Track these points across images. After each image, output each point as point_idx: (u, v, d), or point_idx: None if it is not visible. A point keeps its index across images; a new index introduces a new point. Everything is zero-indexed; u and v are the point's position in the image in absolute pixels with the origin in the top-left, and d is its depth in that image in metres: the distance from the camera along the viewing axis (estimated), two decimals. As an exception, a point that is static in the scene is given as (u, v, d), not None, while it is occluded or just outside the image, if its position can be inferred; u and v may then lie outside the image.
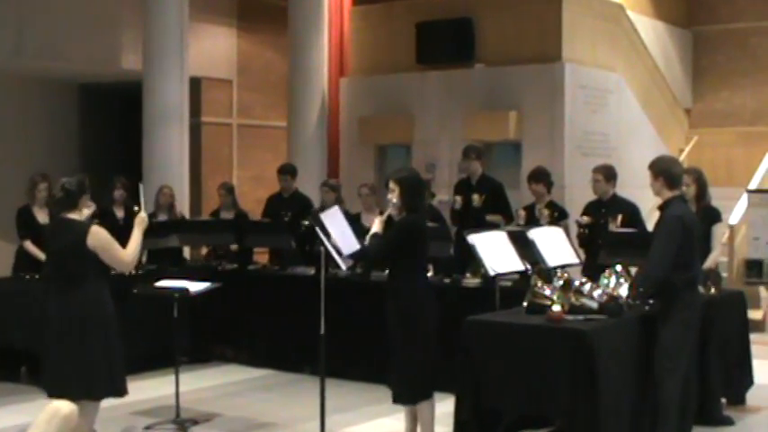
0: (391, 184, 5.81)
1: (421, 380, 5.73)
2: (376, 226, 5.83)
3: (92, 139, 14.53)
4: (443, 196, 10.93)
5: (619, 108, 12.24)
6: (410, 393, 5.76)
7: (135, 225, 5.68)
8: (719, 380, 6.57)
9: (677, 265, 5.57)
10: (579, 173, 10.90)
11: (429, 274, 7.48)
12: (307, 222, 7.99)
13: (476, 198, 8.79)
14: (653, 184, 5.80)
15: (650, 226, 7.53)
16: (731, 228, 11.26)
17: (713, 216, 7.25)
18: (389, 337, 5.81)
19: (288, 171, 9.90)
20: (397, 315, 5.76)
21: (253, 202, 12.29)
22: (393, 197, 5.79)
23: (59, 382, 5.42)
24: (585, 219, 8.01)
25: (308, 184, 10.51)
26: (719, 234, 7.40)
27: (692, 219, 5.84)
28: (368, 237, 5.82)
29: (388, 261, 5.93)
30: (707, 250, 6.99)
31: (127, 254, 5.49)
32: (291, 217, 9.41)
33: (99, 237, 5.41)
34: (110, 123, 14.53)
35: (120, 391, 5.54)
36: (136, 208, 5.99)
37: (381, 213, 6.09)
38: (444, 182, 11.61)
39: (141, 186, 6.43)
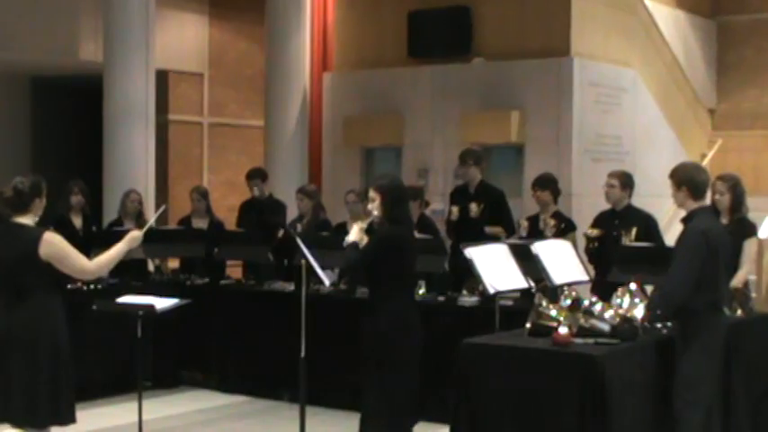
0: (371, 193, 5.91)
1: (395, 415, 5.74)
2: (353, 234, 5.90)
3: (45, 138, 14.49)
4: (437, 206, 10.92)
5: (634, 108, 12.28)
6: (381, 429, 5.76)
7: (124, 240, 5.66)
8: (747, 414, 6.55)
9: (700, 284, 5.56)
10: (589, 180, 10.93)
11: (421, 292, 7.55)
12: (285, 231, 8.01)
13: (473, 208, 8.80)
14: (675, 195, 5.80)
15: (668, 239, 7.56)
16: (760, 242, 11.26)
17: (747, 229, 7.22)
18: (363, 362, 5.82)
19: (257, 175, 9.93)
20: (372, 337, 5.77)
21: (225, 209, 12.28)
22: (374, 207, 5.88)
23: (2, 406, 5.40)
24: (596, 231, 8.01)
25: (288, 190, 10.50)
26: (751, 250, 7.35)
27: (719, 233, 5.81)
28: (345, 246, 5.90)
29: (368, 277, 5.96)
30: (738, 267, 7.00)
31: (93, 263, 5.48)
32: (261, 222, 9.47)
33: (53, 245, 5.39)
34: (65, 121, 14.50)
35: (65, 419, 5.51)
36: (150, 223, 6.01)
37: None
38: (438, 189, 11.62)
39: (164, 207, 6.64)
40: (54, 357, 5.41)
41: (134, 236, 5.72)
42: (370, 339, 5.77)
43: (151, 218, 10.24)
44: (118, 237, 6.72)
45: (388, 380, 5.71)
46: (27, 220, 5.48)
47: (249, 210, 9.94)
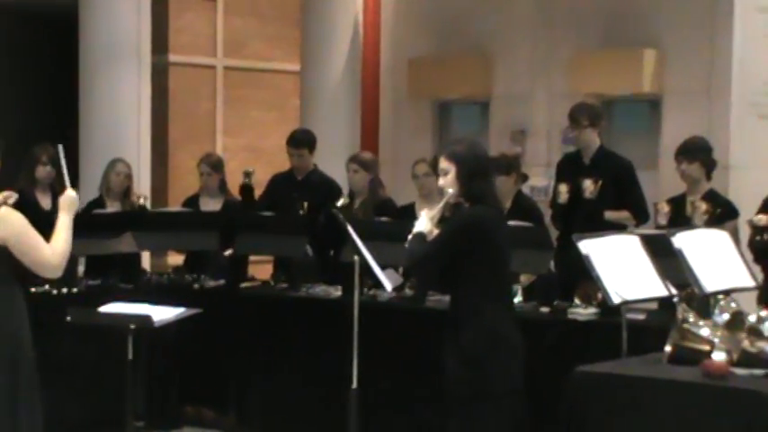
0: (443, 163, 6.00)
1: None
2: (420, 223, 5.98)
3: (3, 86, 14.61)
4: (539, 181, 10.88)
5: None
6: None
7: (60, 208, 5.80)
8: None
9: None
10: (755, 146, 10.82)
11: (517, 300, 7.55)
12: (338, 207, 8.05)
13: (589, 185, 8.78)
14: None
15: None
16: None
17: None
18: (447, 396, 5.90)
19: (304, 143, 9.91)
20: (458, 364, 5.85)
21: (245, 184, 12.34)
22: (446, 183, 5.97)
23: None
24: (765, 218, 7.95)
25: (332, 159, 10.53)
26: None
27: None
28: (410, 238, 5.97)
29: (446, 279, 6.03)
30: None
31: (53, 250, 5.55)
32: (307, 209, 9.48)
33: (10, 223, 5.48)
34: (28, 63, 14.62)
35: None
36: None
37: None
38: (541, 159, 11.63)
39: (61, 149, 6.54)
40: (12, 372, 5.50)
41: (69, 197, 5.85)
42: (455, 366, 5.81)
43: (142, 195, 10.35)
44: (99, 221, 6.81)
45: (479, 421, 5.76)
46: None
47: (288, 190, 9.91)
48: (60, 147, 6.66)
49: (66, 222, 5.72)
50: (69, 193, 5.87)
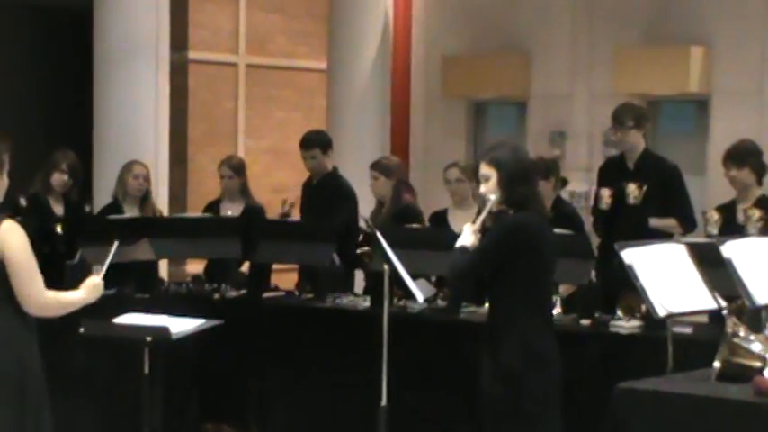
0: (484, 169, 6.00)
1: None
2: (466, 236, 5.96)
3: (7, 84, 14.63)
4: (579, 186, 10.85)
5: None
6: None
7: (83, 287, 5.77)
8: None
9: None
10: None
11: (555, 312, 7.54)
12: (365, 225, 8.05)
13: (633, 190, 8.75)
14: None
15: None
16: None
17: None
18: (481, 412, 5.93)
19: (315, 143, 9.87)
20: (493, 380, 5.87)
21: (268, 188, 12.36)
22: (488, 189, 5.96)
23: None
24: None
25: (360, 162, 10.49)
26: None
27: None
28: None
29: (486, 289, 6.07)
30: None
31: (49, 297, 5.55)
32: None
33: (12, 239, 5.44)
34: (39, 61, 14.64)
35: None
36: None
37: (480, 212, 6.15)
38: (581, 163, 11.61)
39: (115, 245, 6.51)
40: (19, 399, 5.47)
41: (94, 283, 5.82)
42: (490, 381, 5.81)
43: (158, 201, 10.38)
44: (113, 227, 6.79)
45: None
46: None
47: (304, 192, 9.94)
48: (116, 243, 6.67)
49: (78, 298, 5.73)
50: (96, 279, 5.85)
